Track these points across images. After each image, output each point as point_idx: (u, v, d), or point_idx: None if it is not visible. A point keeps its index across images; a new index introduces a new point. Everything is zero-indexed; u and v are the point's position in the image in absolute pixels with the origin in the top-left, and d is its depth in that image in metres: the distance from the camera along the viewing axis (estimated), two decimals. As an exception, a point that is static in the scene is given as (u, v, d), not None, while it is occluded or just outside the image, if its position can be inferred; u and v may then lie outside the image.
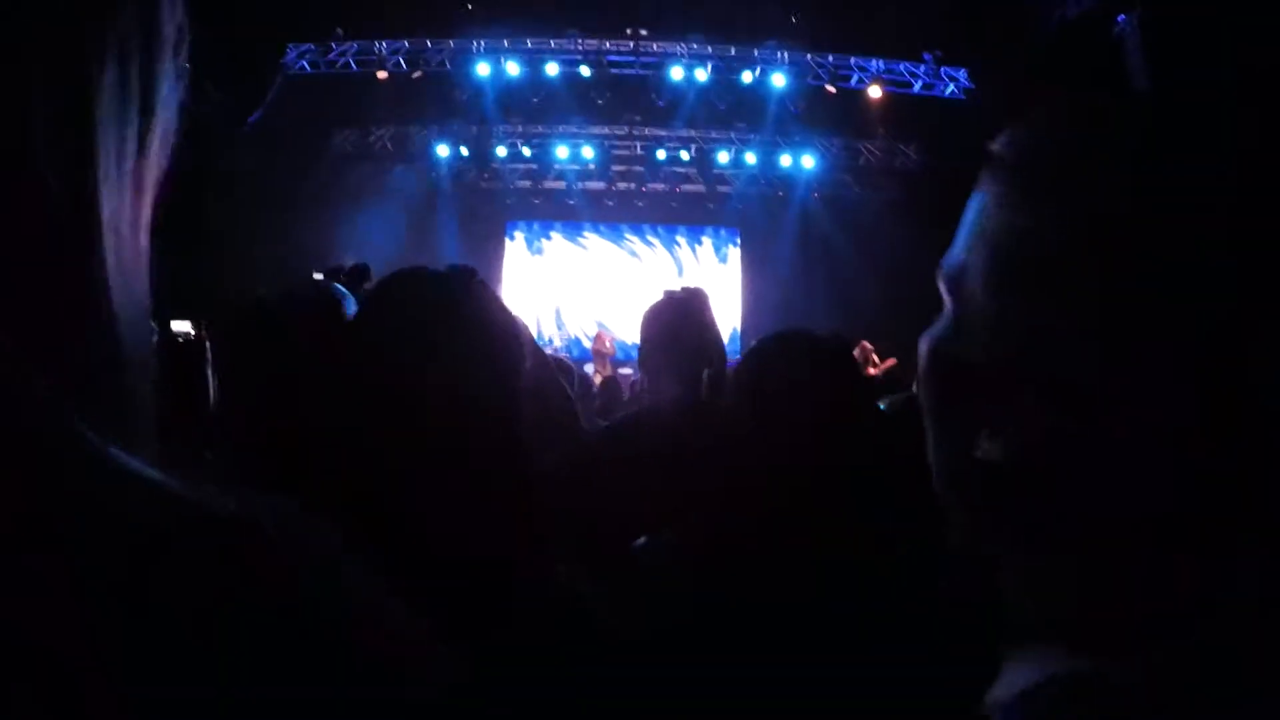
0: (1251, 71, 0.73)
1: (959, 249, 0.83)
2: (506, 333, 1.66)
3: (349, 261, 5.37)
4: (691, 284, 13.75)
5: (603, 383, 8.90)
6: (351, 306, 2.67)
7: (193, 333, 6.34)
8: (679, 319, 3.27)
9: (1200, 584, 0.65)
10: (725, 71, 15.71)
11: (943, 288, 0.87)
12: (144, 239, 0.67)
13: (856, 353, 12.08)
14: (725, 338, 12.37)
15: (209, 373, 4.60)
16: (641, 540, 2.07)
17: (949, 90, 15.15)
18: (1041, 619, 0.76)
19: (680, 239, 18.99)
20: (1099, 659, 0.68)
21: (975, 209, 0.81)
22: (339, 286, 2.75)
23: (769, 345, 2.06)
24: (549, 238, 18.85)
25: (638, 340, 3.35)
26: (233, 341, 2.58)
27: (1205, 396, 0.64)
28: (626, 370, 13.64)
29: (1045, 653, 0.73)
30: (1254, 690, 0.63)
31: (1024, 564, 0.77)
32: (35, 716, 0.45)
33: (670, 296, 3.47)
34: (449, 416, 1.52)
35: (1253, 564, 0.64)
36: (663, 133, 16.98)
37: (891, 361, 11.31)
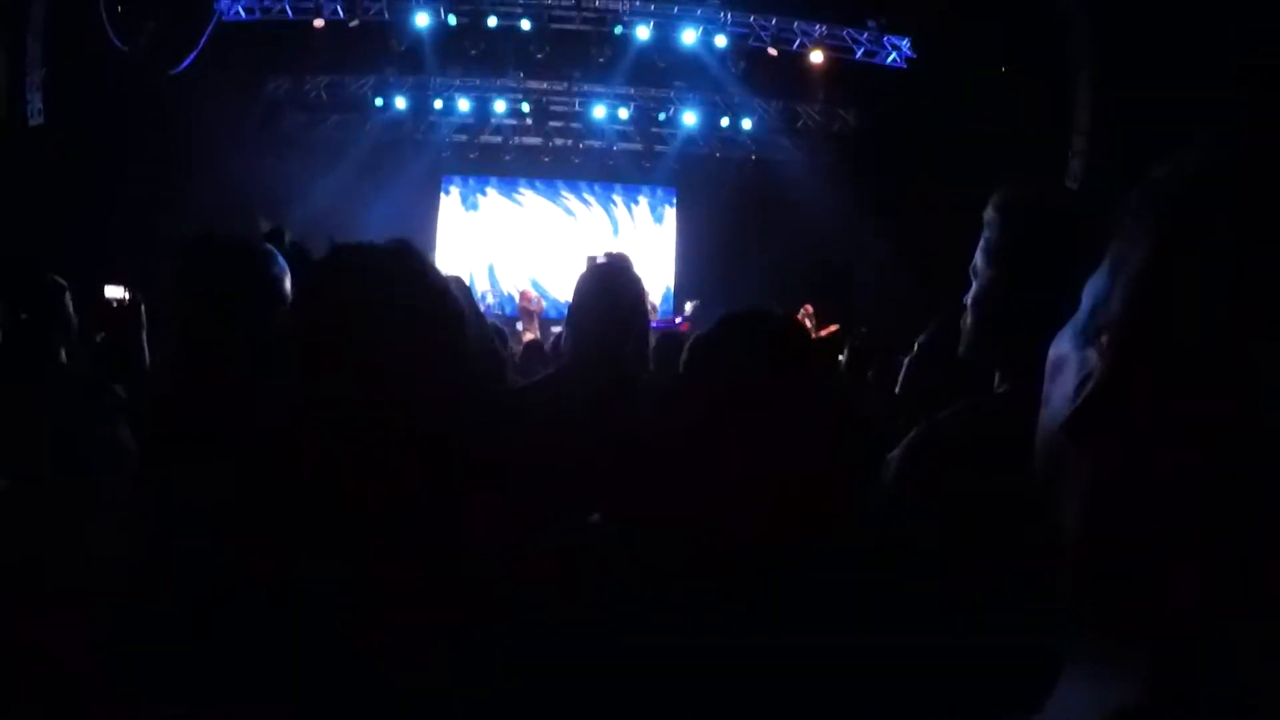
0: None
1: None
2: (450, 306, 1.65)
3: (266, 224, 5.25)
4: (624, 245, 13.76)
5: (526, 345, 8.87)
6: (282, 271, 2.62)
7: (126, 297, 6.18)
8: (601, 288, 3.29)
9: (1204, 592, 0.65)
10: (667, 30, 15.61)
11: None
12: None
13: (798, 316, 12.12)
14: (658, 297, 12.35)
15: (143, 337, 4.52)
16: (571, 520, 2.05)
17: (890, 58, 15.20)
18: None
19: (616, 197, 18.91)
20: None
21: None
22: (270, 248, 2.69)
23: (727, 328, 1.98)
24: (484, 193, 18.68)
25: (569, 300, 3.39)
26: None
27: (1212, 402, 0.64)
28: (558, 329, 13.61)
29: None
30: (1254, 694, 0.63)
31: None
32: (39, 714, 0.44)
33: (594, 265, 3.49)
34: (401, 388, 1.53)
35: (1257, 574, 0.64)
36: (601, 89, 16.84)
37: (834, 327, 11.35)
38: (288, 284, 2.57)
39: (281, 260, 2.61)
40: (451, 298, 1.67)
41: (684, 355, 1.97)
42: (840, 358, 7.13)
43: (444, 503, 1.52)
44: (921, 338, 3.57)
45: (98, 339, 4.36)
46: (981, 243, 2.07)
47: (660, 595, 1.64)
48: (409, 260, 1.65)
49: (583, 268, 3.59)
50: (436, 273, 1.70)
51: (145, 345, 4.42)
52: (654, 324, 11.30)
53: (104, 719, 1.30)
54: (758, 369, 1.80)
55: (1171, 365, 0.66)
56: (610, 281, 3.33)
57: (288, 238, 4.95)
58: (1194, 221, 0.69)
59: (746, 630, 1.57)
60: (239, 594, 1.40)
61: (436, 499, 1.51)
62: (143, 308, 4.56)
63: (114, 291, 6.63)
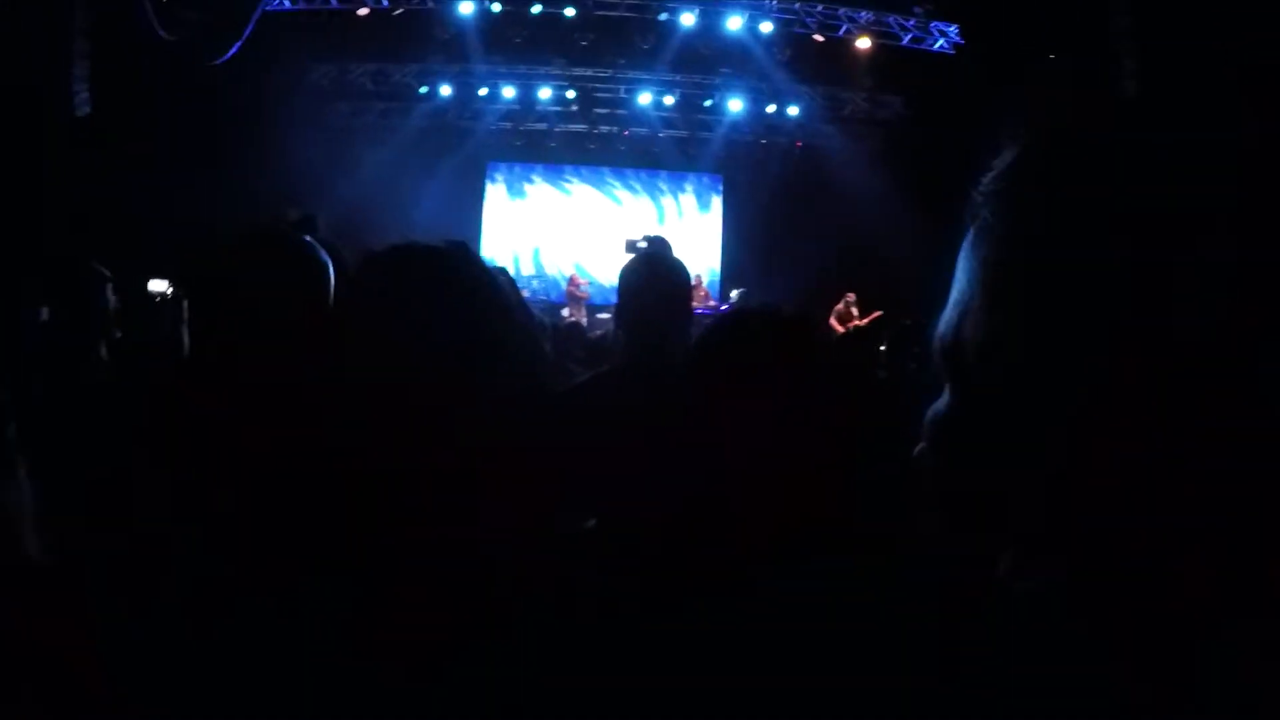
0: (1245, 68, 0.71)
1: (949, 321, 0.79)
2: (502, 309, 1.61)
3: (296, 213, 5.18)
4: (670, 232, 13.69)
5: (566, 326, 8.91)
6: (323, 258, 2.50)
7: (169, 291, 6.22)
8: (649, 279, 3.21)
9: (1206, 592, 0.65)
10: (711, 16, 15.54)
11: (940, 364, 0.82)
12: None
13: (840, 305, 12.08)
14: (705, 281, 12.32)
15: (184, 331, 4.51)
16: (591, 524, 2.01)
17: (938, 44, 15.04)
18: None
19: (662, 185, 18.91)
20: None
21: (965, 274, 0.78)
22: (308, 239, 2.57)
23: (721, 325, 1.95)
24: (530, 180, 18.72)
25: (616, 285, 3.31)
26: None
27: (1216, 402, 0.64)
28: (605, 315, 13.64)
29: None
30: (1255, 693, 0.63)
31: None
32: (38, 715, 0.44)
33: (640, 255, 3.42)
34: (445, 399, 1.50)
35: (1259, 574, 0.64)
36: (646, 76, 16.79)
37: (877, 314, 11.29)
38: (330, 277, 2.46)
39: (320, 255, 2.49)
40: (507, 301, 1.65)
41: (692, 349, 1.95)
42: (882, 348, 7.09)
43: (471, 511, 1.49)
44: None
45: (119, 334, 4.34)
46: None
47: (653, 599, 1.61)
48: (469, 263, 1.63)
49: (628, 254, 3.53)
50: (493, 275, 1.67)
51: (186, 339, 4.40)
52: (701, 310, 11.35)
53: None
54: (753, 367, 1.76)
55: (1172, 364, 0.65)
56: (658, 271, 3.25)
57: (320, 225, 4.89)
58: (1195, 219, 0.67)
59: (745, 634, 1.54)
60: (244, 596, 1.39)
61: (467, 508, 1.48)
62: (185, 302, 4.54)
63: (157, 285, 6.67)
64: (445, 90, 16.86)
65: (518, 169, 18.72)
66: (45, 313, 3.84)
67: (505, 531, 1.47)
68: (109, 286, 4.09)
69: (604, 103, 17.53)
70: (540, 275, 18.03)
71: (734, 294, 15.31)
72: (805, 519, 1.63)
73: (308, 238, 2.54)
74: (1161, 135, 0.71)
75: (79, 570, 1.44)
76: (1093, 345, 0.68)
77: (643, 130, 18.04)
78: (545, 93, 16.96)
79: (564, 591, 1.51)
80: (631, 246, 13.15)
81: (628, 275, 3.25)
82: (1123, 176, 0.69)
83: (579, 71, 16.71)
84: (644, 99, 17.13)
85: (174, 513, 1.71)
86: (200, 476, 1.77)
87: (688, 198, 18.92)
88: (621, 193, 18.83)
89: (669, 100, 17.23)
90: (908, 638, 1.51)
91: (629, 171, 18.84)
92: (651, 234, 11.58)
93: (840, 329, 10.64)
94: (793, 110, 17.10)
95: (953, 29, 14.83)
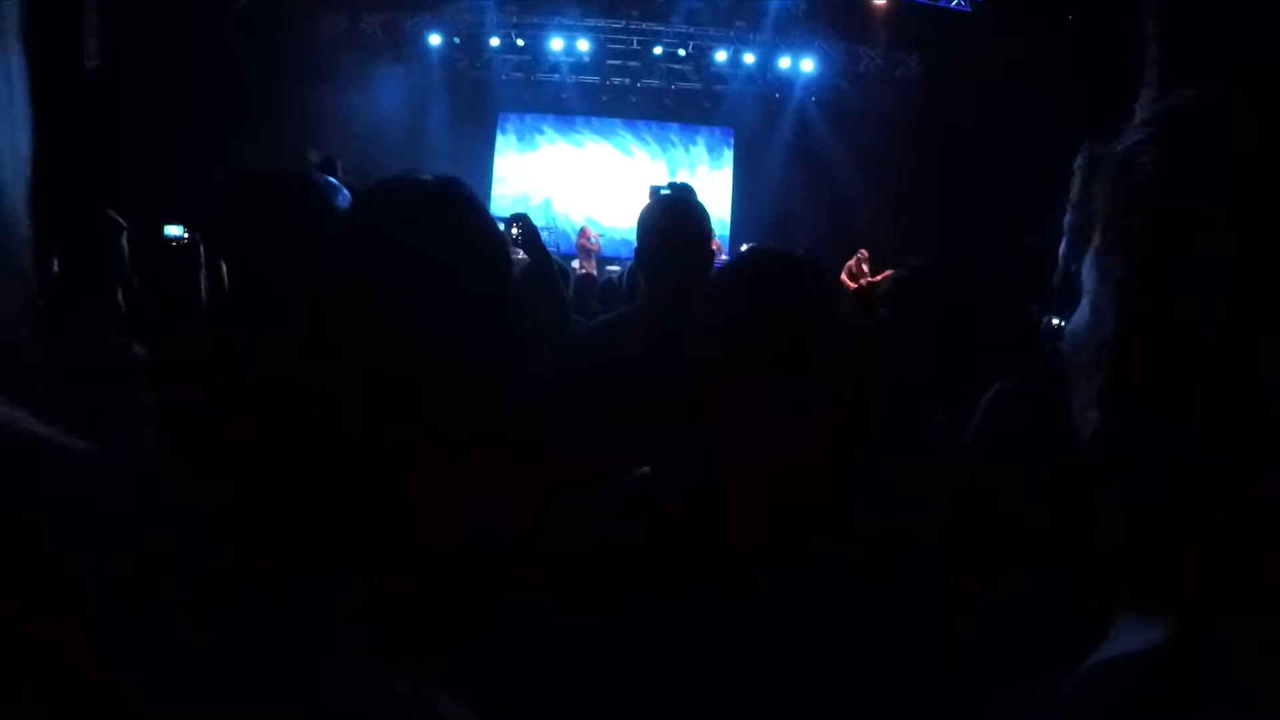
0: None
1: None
2: (494, 249, 1.59)
3: (317, 155, 5.13)
4: (681, 182, 13.55)
5: (579, 279, 8.89)
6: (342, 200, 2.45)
7: (185, 236, 6.21)
8: (669, 222, 3.16)
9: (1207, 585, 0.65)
10: (727, -32, 15.41)
11: None
12: None
13: (852, 262, 12.03)
14: (715, 234, 12.21)
15: (201, 277, 4.51)
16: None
17: (955, 2, 14.88)
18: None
19: (674, 137, 18.79)
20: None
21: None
22: (331, 179, 2.52)
23: (740, 265, 1.88)
24: (542, 131, 18.63)
25: (630, 238, 3.24)
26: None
27: (1217, 395, 0.64)
28: (615, 267, 13.62)
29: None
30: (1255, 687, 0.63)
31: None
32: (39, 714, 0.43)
33: (659, 198, 3.36)
34: (437, 337, 1.47)
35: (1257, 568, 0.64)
36: (660, 28, 16.67)
37: (888, 272, 11.23)
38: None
39: (342, 193, 2.43)
40: (500, 240, 1.60)
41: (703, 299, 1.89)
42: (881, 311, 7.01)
43: (467, 499, 1.45)
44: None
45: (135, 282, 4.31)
46: (1070, 200, 2.06)
47: (655, 586, 1.57)
48: (458, 199, 1.59)
49: (641, 205, 3.45)
50: (485, 212, 1.63)
51: (203, 286, 4.40)
52: (717, 264, 11.30)
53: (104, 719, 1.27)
54: (770, 313, 1.70)
55: (1175, 359, 0.66)
56: (678, 214, 3.19)
57: (339, 165, 4.85)
58: (1197, 214, 0.67)
59: (740, 629, 1.51)
60: (240, 590, 1.36)
61: (463, 496, 1.45)
62: (201, 248, 4.55)
63: (174, 230, 6.64)
64: (457, 40, 16.74)
65: (529, 120, 18.61)
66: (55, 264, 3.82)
67: (505, 518, 1.43)
68: (124, 235, 4.08)
69: (617, 54, 17.39)
70: (551, 227, 17.95)
71: (744, 248, 15.25)
72: (807, 502, 1.58)
73: (327, 176, 2.49)
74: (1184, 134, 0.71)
75: (79, 569, 1.41)
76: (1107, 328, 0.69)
77: (655, 82, 17.90)
78: (557, 44, 16.83)
79: (561, 581, 1.48)
80: (655, 192, 13.10)
81: (649, 217, 3.21)
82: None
83: (592, 22, 16.59)
84: (657, 51, 17.00)
85: (172, 506, 1.67)
86: (196, 464, 1.73)
87: (699, 150, 18.82)
88: (633, 145, 18.73)
89: (682, 52, 17.10)
90: (904, 630, 1.50)
91: (641, 124, 18.72)
92: (676, 181, 11.48)
93: (852, 285, 10.59)
94: (806, 65, 16.97)
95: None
